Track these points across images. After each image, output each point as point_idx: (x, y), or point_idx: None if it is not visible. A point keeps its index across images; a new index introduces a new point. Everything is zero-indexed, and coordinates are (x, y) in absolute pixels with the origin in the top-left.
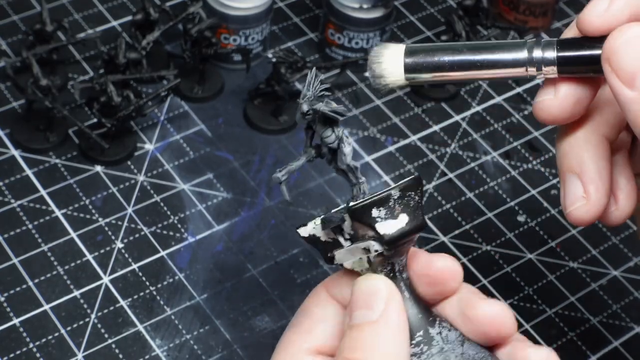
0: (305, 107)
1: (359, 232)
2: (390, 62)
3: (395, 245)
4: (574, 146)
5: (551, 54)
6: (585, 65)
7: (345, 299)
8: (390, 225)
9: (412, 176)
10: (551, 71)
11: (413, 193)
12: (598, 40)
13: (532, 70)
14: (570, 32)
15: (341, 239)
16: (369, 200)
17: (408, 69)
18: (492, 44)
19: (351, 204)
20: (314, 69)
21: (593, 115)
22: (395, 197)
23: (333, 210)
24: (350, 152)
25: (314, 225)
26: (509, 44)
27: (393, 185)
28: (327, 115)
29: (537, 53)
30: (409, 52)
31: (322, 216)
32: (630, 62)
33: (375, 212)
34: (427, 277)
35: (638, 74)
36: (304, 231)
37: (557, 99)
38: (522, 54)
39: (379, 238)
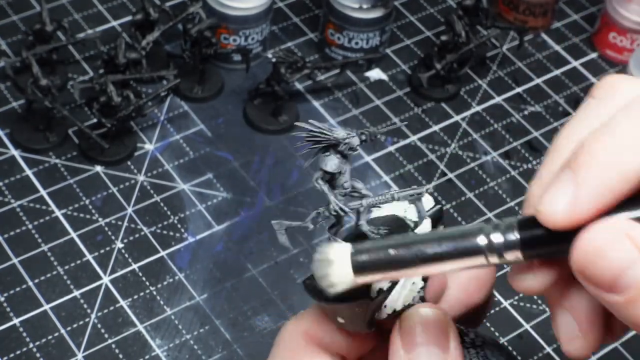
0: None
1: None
2: (338, 265)
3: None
4: (561, 284)
5: (512, 237)
6: (552, 252)
7: (336, 346)
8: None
9: (437, 207)
10: (515, 257)
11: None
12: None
13: (493, 258)
14: (531, 209)
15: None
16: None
17: (357, 269)
18: (442, 234)
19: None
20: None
21: None
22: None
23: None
24: (333, 200)
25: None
26: (464, 230)
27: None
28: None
29: (497, 237)
30: (356, 252)
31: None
32: (608, 270)
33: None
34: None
35: (620, 277)
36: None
37: (532, 279)
38: (479, 241)
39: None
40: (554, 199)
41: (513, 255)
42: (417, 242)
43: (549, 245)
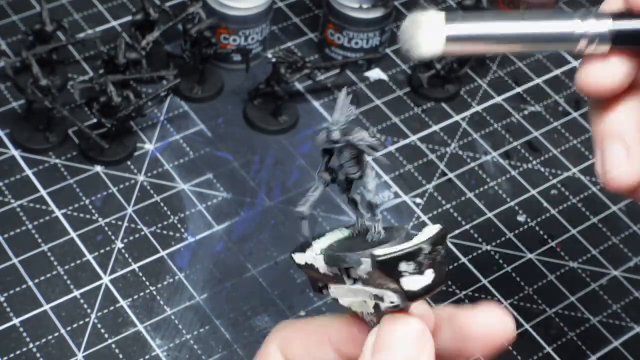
0: (336, 135)
1: (374, 279)
2: (429, 30)
3: (415, 301)
4: (614, 111)
5: (604, 27)
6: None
7: (312, 357)
8: (416, 281)
9: (439, 228)
10: (602, 47)
11: (441, 247)
12: None
13: (582, 44)
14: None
15: (345, 277)
16: (399, 253)
17: (449, 38)
18: (540, 14)
19: (378, 252)
20: (345, 89)
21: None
22: (426, 252)
23: (330, 234)
24: (374, 187)
25: (314, 255)
26: (559, 14)
27: (417, 233)
28: (360, 148)
29: (590, 27)
30: (450, 20)
31: (326, 249)
32: None
33: (403, 266)
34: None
35: None
36: (300, 258)
37: (608, 71)
38: (573, 27)
39: (401, 292)
40: None
41: (601, 45)
42: (511, 19)
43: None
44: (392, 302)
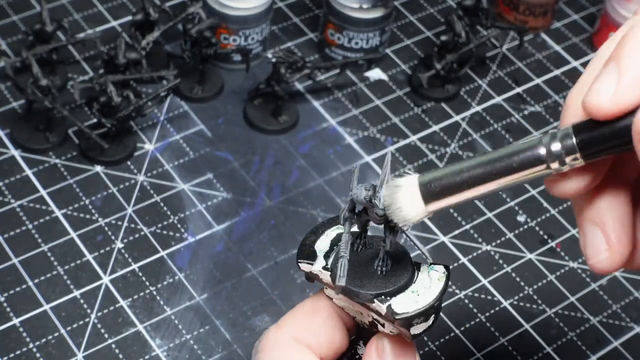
0: (380, 212)
1: (370, 306)
2: (408, 200)
3: (415, 339)
4: (592, 196)
5: (570, 141)
6: (610, 146)
7: (317, 347)
8: (421, 327)
9: (446, 274)
10: (575, 160)
11: (444, 292)
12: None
13: (554, 165)
14: (570, 114)
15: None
16: (415, 313)
17: (427, 200)
18: (505, 150)
19: (397, 309)
20: (389, 155)
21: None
22: (436, 305)
23: (329, 232)
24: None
25: (320, 269)
26: (523, 145)
27: (420, 263)
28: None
29: (555, 145)
30: (423, 185)
31: (340, 275)
32: None
33: (415, 320)
34: None
35: None
36: (307, 267)
37: (569, 184)
38: (540, 150)
39: (406, 334)
40: (599, 89)
41: (573, 159)
42: (480, 164)
43: (606, 139)
44: (391, 332)
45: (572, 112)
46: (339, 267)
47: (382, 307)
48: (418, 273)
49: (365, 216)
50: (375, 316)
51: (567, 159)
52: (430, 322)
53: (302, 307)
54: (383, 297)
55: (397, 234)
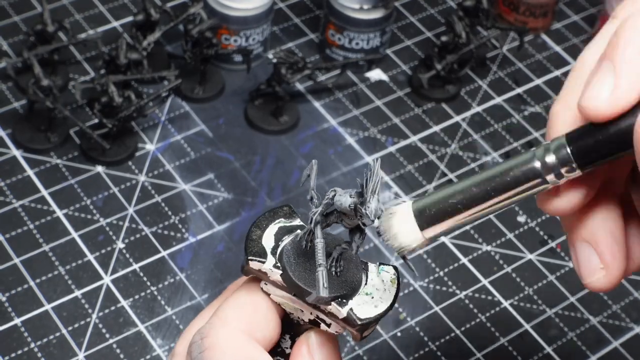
0: (368, 222)
1: (329, 312)
2: (404, 228)
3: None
4: (582, 213)
5: (564, 151)
6: (606, 152)
7: (266, 342)
8: (373, 328)
9: (396, 275)
10: (571, 171)
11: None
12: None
13: (550, 177)
14: (558, 126)
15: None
16: (376, 317)
17: (423, 227)
18: (499, 168)
19: (360, 314)
20: (378, 163)
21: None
22: (392, 307)
23: (273, 225)
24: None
25: (270, 267)
26: (517, 161)
27: (367, 262)
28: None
29: (550, 157)
30: (417, 211)
31: (290, 273)
32: None
33: (372, 324)
34: None
35: None
36: (256, 265)
37: (561, 201)
38: (535, 164)
39: (356, 335)
40: (595, 91)
41: (568, 169)
42: (474, 186)
43: (602, 145)
44: (336, 332)
45: (560, 124)
46: (320, 277)
47: (342, 311)
48: (367, 273)
49: (334, 219)
50: (323, 316)
51: (563, 170)
52: (378, 323)
53: (240, 301)
54: (340, 299)
55: (363, 240)
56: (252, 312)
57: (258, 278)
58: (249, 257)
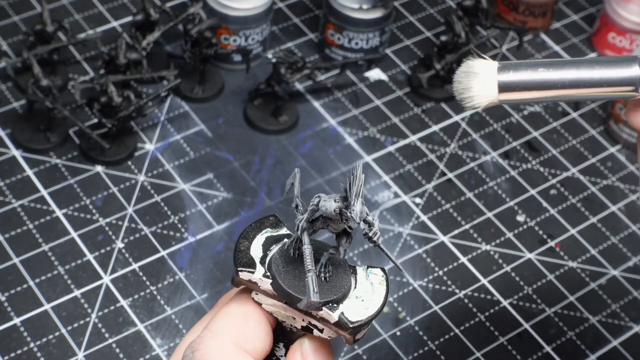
0: (354, 225)
1: (321, 317)
2: (483, 81)
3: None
4: None
5: None
6: None
7: (257, 352)
8: (365, 330)
9: (385, 277)
10: None
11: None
12: None
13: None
14: None
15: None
16: (369, 319)
17: (503, 87)
18: (596, 59)
19: (352, 319)
20: (360, 167)
21: None
22: (381, 310)
23: (260, 236)
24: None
25: (260, 277)
26: (616, 59)
27: (356, 265)
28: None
29: None
30: (502, 69)
31: (280, 281)
32: None
33: (364, 327)
34: None
35: None
36: (246, 276)
37: None
38: (633, 72)
39: (349, 339)
40: None
41: None
42: (566, 65)
43: None
44: (330, 337)
45: None
46: (310, 282)
47: (333, 315)
48: (356, 277)
49: (320, 225)
50: (315, 322)
51: None
52: (369, 325)
53: (230, 313)
54: (331, 304)
55: (350, 244)
56: (243, 324)
57: (248, 289)
58: (238, 269)
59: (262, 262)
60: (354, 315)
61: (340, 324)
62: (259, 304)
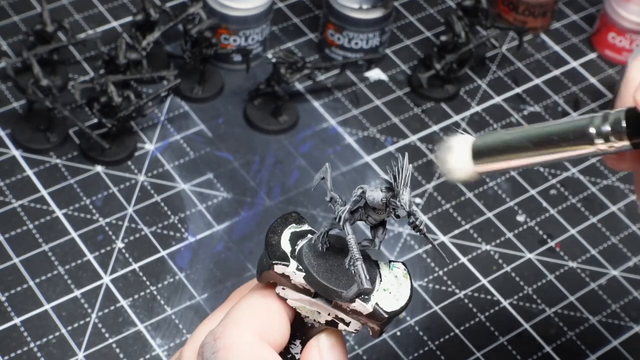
0: (402, 213)
1: (351, 311)
2: (458, 159)
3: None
4: None
5: (621, 125)
6: None
7: (277, 345)
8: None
9: (407, 270)
10: (622, 144)
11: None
12: None
13: (602, 147)
14: (627, 95)
15: (313, 294)
16: (400, 309)
17: (476, 160)
18: (555, 128)
19: (386, 308)
20: (407, 156)
21: None
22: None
23: (287, 230)
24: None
25: (294, 270)
26: (574, 122)
27: (379, 262)
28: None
29: (606, 127)
30: (476, 143)
31: (314, 274)
32: None
33: (395, 318)
34: None
35: None
36: (280, 269)
37: (628, 165)
38: (590, 130)
39: (377, 330)
40: None
41: (620, 143)
42: (530, 132)
43: None
44: (355, 330)
45: (629, 93)
46: (360, 270)
47: (367, 307)
48: (380, 271)
49: (359, 217)
50: (342, 315)
51: (616, 144)
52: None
53: (253, 304)
54: (363, 296)
55: (386, 236)
56: (265, 315)
57: (272, 284)
58: (274, 262)
59: (292, 255)
60: (387, 306)
61: (375, 315)
62: (284, 299)
